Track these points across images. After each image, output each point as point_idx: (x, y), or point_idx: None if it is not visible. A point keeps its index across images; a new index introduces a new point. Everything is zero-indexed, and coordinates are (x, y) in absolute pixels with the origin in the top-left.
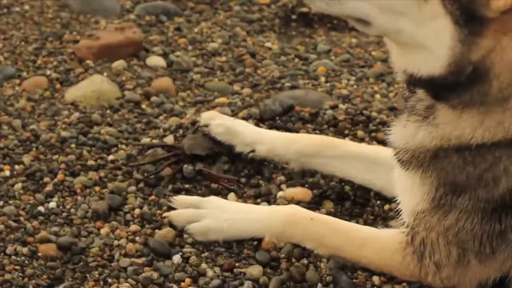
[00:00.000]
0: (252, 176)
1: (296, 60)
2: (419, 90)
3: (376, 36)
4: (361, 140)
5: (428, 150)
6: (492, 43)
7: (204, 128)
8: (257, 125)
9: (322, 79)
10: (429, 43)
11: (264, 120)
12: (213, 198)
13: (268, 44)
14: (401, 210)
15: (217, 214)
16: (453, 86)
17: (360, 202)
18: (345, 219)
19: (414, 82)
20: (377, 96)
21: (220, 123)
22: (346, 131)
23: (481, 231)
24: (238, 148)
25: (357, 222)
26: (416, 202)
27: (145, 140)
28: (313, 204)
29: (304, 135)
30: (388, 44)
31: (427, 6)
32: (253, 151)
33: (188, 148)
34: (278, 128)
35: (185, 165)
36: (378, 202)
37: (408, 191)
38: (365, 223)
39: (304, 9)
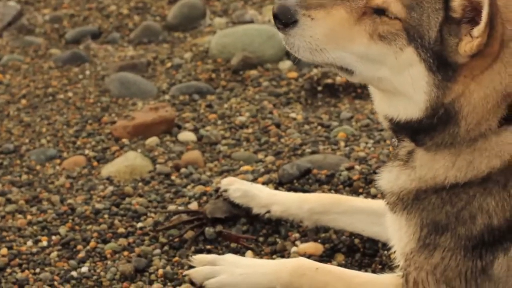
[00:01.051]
0: (269, 235)
1: (319, 128)
2: (405, 138)
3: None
4: (374, 197)
5: (410, 192)
6: (462, 88)
7: (224, 193)
8: (276, 189)
9: (342, 143)
10: (406, 89)
11: (282, 184)
12: (228, 256)
13: (293, 115)
14: (395, 253)
15: (231, 270)
16: (427, 129)
17: (369, 254)
18: (355, 270)
19: (394, 127)
20: None
21: (237, 187)
22: (361, 190)
23: (465, 267)
24: (255, 210)
25: (366, 272)
26: (405, 243)
27: (172, 207)
28: (325, 257)
29: (315, 194)
30: (372, 92)
31: (402, 55)
32: (269, 211)
33: (209, 212)
34: (295, 190)
35: (207, 228)
36: (386, 252)
37: (397, 233)
38: (374, 272)
39: (329, 81)
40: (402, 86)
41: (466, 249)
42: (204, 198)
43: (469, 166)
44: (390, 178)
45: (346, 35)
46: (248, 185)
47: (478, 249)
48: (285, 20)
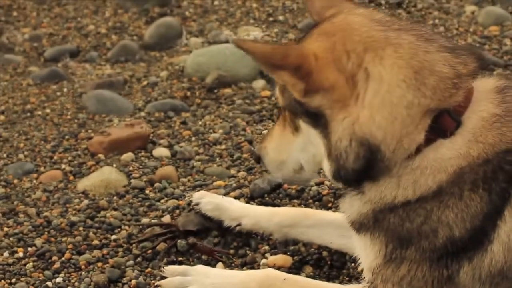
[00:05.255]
0: (240, 248)
1: None
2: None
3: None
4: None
5: (367, 215)
6: (346, 123)
7: (196, 206)
8: (247, 203)
9: None
10: (321, 151)
11: (253, 198)
12: (199, 266)
13: (265, 132)
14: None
15: (202, 280)
16: (360, 170)
17: (336, 266)
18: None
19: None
20: None
21: (209, 200)
22: (330, 205)
23: (431, 277)
24: (226, 223)
25: None
26: (371, 259)
27: (145, 220)
28: (294, 269)
29: (284, 208)
30: None
31: (303, 131)
32: (239, 224)
33: (181, 225)
34: (266, 205)
35: (179, 240)
36: (353, 264)
37: (364, 250)
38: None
39: None
40: (320, 152)
41: (431, 260)
42: (177, 211)
43: (414, 184)
44: (347, 206)
45: (285, 142)
46: (220, 199)
47: (443, 260)
48: (257, 160)
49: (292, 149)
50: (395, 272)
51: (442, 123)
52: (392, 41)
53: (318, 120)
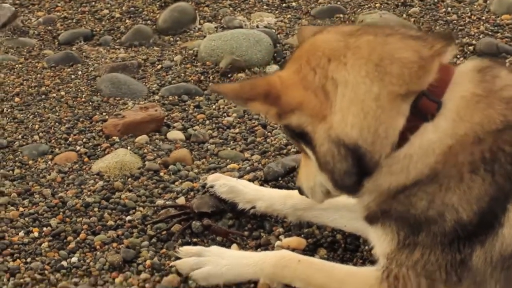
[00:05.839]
0: (254, 230)
1: None
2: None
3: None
4: None
5: (371, 207)
6: (322, 131)
7: (210, 188)
8: (261, 186)
9: None
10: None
11: (268, 181)
12: (213, 247)
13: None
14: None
15: (216, 261)
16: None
17: (350, 249)
18: None
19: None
20: None
21: (223, 183)
22: None
23: (444, 261)
24: (240, 205)
25: None
26: (385, 246)
27: (160, 202)
28: (308, 252)
29: None
30: None
31: (310, 154)
32: (253, 207)
33: (196, 207)
34: (280, 188)
35: (194, 222)
36: (366, 247)
37: (377, 240)
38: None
39: None
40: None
41: (443, 245)
42: (192, 193)
43: (406, 169)
44: (357, 201)
45: (308, 169)
46: (234, 181)
47: (455, 244)
48: (300, 192)
49: (314, 174)
50: (409, 257)
51: (421, 106)
52: (351, 46)
53: (305, 138)
